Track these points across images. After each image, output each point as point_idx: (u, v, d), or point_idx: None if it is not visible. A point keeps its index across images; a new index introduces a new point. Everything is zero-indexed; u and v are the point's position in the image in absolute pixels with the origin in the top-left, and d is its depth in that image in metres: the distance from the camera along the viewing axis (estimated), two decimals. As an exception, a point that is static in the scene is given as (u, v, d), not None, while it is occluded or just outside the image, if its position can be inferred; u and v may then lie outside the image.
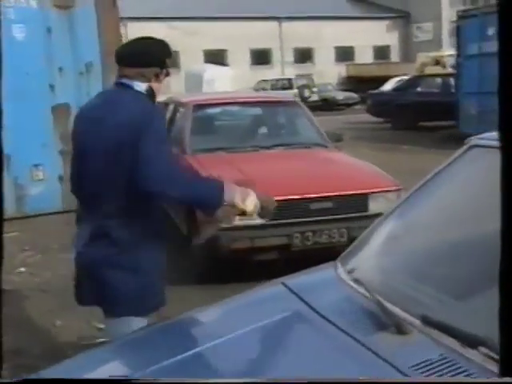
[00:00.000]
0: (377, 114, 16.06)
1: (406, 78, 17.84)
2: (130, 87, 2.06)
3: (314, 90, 26.32)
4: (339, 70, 33.78)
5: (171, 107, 5.70)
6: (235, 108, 5.47)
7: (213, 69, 22.61)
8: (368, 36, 34.99)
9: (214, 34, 30.60)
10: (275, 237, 3.98)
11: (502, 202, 1.12)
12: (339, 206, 4.10)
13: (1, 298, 1.46)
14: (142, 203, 1.97)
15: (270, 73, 30.63)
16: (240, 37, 31.12)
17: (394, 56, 37.08)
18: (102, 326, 3.71)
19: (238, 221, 3.92)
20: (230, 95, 6.03)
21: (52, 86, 6.32)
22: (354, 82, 31.07)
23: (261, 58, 33.27)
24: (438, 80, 15.43)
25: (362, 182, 4.28)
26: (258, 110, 5.56)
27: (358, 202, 4.15)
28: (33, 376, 1.53)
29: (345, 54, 35.23)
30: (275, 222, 3.97)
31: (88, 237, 2.04)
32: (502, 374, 1.13)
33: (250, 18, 31.85)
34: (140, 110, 1.98)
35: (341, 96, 27.18)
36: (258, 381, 1.32)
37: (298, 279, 2.05)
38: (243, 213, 2.28)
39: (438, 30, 35.17)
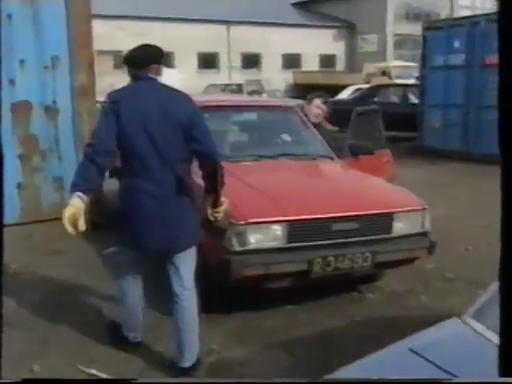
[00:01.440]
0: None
1: (365, 86, 17.75)
2: (156, 80, 2.93)
3: (264, 96, 26.02)
4: (286, 77, 33.68)
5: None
6: (233, 113, 4.93)
7: (160, 71, 21.80)
8: (314, 44, 35.22)
9: (161, 36, 29.78)
10: (293, 262, 3.47)
11: (503, 202, 1.22)
12: (363, 227, 3.65)
13: (1, 297, 1.58)
14: (188, 166, 3.02)
15: (217, 77, 30.08)
16: (187, 39, 30.45)
17: (340, 65, 37.48)
18: (93, 371, 3.11)
19: (252, 244, 3.43)
20: (224, 98, 5.49)
21: (12, 81, 5.55)
22: (301, 90, 30.99)
23: (208, 62, 32.69)
24: (398, 91, 15.38)
25: (386, 201, 3.84)
26: (256, 116, 5.05)
27: (383, 223, 3.71)
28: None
29: (291, 61, 35.25)
30: (293, 244, 3.48)
31: (157, 193, 2.86)
32: (502, 374, 1.18)
33: (199, 21, 31.25)
34: (187, 98, 2.99)
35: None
36: (258, 381, 1.36)
37: (428, 344, 1.57)
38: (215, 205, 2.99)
39: (383, 42, 35.80)
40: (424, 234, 3.83)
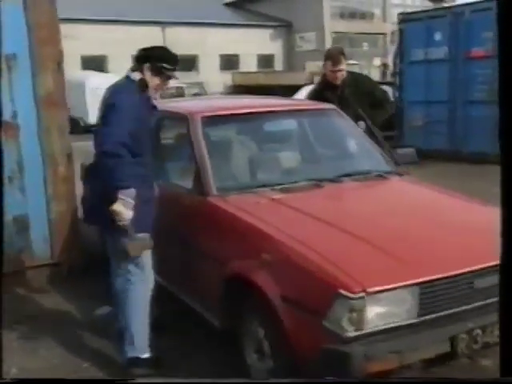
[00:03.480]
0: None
1: None
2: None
3: (206, 98, 24.75)
4: (224, 79, 32.55)
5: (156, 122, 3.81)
6: (260, 122, 3.68)
7: (97, 76, 20.22)
8: (252, 44, 34.42)
9: (93, 38, 28.00)
10: (433, 344, 2.31)
11: (502, 202, 1.46)
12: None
13: (1, 297, 1.83)
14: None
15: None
16: (121, 42, 28.73)
17: (278, 65, 36.78)
18: None
19: (374, 323, 2.26)
20: (247, 103, 4.21)
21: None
22: (241, 91, 30.04)
23: (144, 65, 31.03)
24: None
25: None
26: (296, 123, 3.84)
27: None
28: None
29: (230, 62, 34.24)
30: (428, 317, 2.33)
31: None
32: (502, 374, 1.43)
33: (132, 22, 29.64)
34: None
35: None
36: (258, 381, 1.51)
37: None
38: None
39: (321, 40, 35.36)
40: None
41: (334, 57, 4.39)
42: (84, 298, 4.04)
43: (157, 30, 31.12)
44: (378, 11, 38.69)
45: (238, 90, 30.81)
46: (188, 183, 3.30)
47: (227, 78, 32.56)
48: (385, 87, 14.68)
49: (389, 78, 20.52)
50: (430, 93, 10.69)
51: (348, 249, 2.45)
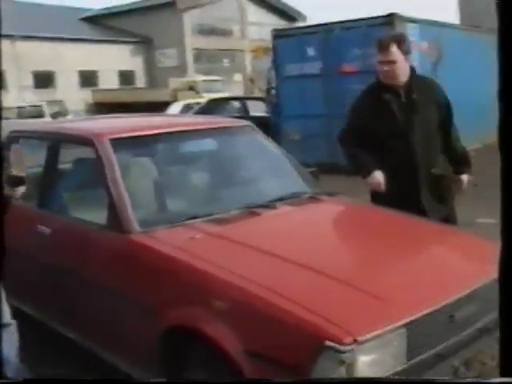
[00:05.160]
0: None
1: (193, 102, 16.58)
2: None
3: (69, 117, 23.29)
4: (84, 96, 31.08)
5: (46, 146, 3.19)
6: (178, 143, 3.22)
7: None
8: (112, 60, 33.37)
9: None
10: (421, 389, 2.04)
11: (502, 202, 1.40)
12: (482, 306, 2.37)
13: (1, 296, 1.81)
14: None
15: (6, 99, 26.40)
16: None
17: (140, 81, 35.96)
18: None
19: (365, 375, 1.94)
20: (156, 121, 3.67)
21: None
22: (102, 109, 28.79)
23: (-8, 81, 28.65)
24: (236, 104, 14.48)
25: (486, 258, 2.60)
26: (216, 143, 3.41)
27: (494, 292, 2.47)
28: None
29: (89, 78, 32.82)
30: (416, 360, 2.07)
31: None
32: (502, 374, 1.38)
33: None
34: None
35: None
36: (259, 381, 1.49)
37: None
38: None
39: (182, 56, 35.23)
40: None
41: (380, 43, 3.26)
42: None
43: (5, 44, 28.93)
44: (236, 28, 39.37)
45: (99, 107, 29.53)
46: (99, 218, 2.77)
47: (87, 96, 31.12)
48: (255, 102, 14.90)
49: (257, 93, 20.87)
50: (306, 107, 10.81)
51: (320, 290, 2.12)
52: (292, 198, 3.09)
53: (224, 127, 3.42)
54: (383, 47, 3.23)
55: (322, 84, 10.65)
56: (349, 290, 2.10)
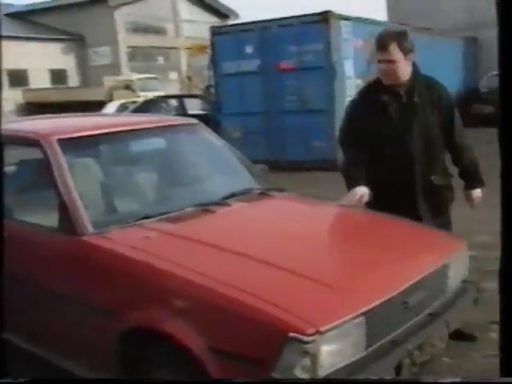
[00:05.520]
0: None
1: (138, 100, 16.28)
2: None
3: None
4: (14, 96, 29.97)
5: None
6: (127, 142, 3.18)
7: None
8: (42, 59, 32.29)
9: None
10: (382, 376, 2.11)
11: (503, 202, 1.35)
12: (431, 292, 2.48)
13: (1, 297, 1.73)
14: None
15: None
16: None
17: (73, 80, 34.99)
18: None
19: (329, 365, 1.99)
20: (104, 121, 3.59)
21: None
22: (34, 109, 27.83)
23: None
24: (173, 102, 14.36)
25: (433, 246, 2.71)
26: (161, 142, 3.38)
27: (441, 278, 2.59)
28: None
29: (18, 78, 31.60)
30: (375, 347, 2.14)
31: None
32: (502, 374, 1.35)
33: None
34: None
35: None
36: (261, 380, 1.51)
37: None
38: None
39: (116, 54, 34.53)
40: (466, 281, 2.83)
41: (378, 41, 3.03)
42: None
43: None
44: (170, 26, 38.96)
45: (31, 107, 28.52)
46: (49, 221, 2.71)
47: (18, 96, 30.00)
48: (193, 100, 14.82)
49: (195, 91, 20.75)
50: (246, 104, 10.88)
51: (280, 284, 2.16)
52: (244, 195, 3.11)
53: (172, 125, 3.40)
54: (382, 46, 3.00)
55: (260, 81, 10.74)
56: (307, 282, 2.15)
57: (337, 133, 13.06)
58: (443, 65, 16.58)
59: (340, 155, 11.68)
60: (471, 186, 3.22)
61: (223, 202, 2.96)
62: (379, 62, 3.03)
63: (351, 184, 3.10)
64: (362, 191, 3.04)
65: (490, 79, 17.19)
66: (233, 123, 11.02)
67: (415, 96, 3.04)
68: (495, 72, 17.72)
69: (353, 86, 10.85)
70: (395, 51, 2.98)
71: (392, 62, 2.99)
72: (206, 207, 2.86)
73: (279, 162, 10.55)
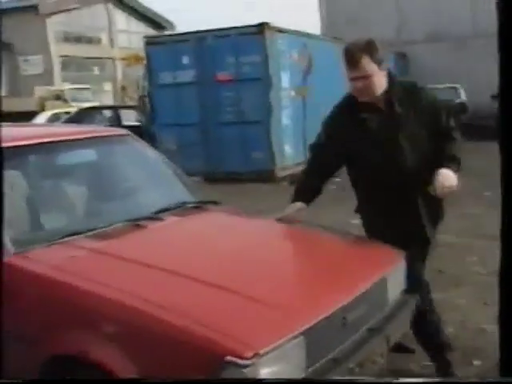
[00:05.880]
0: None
1: (71, 110, 15.79)
2: None
3: None
4: None
5: None
6: (52, 154, 2.97)
7: None
8: (-33, 67, 30.93)
9: None
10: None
11: (503, 202, 1.33)
12: (371, 307, 2.43)
13: (1, 298, 1.70)
14: None
15: None
16: None
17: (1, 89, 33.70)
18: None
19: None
20: (33, 130, 3.34)
21: None
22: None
23: None
24: (107, 113, 14.01)
25: (372, 259, 2.66)
26: (90, 154, 3.18)
27: (380, 292, 2.55)
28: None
29: None
30: (315, 366, 2.06)
31: None
32: (502, 374, 1.33)
33: None
34: None
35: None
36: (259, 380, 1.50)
37: None
38: None
39: (49, 64, 33.59)
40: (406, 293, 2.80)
41: (347, 57, 2.71)
42: None
43: None
44: (104, 36, 38.25)
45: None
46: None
47: None
48: (128, 111, 14.53)
49: (130, 102, 20.39)
50: (182, 116, 10.73)
51: (214, 303, 2.04)
52: (177, 208, 2.98)
53: (103, 136, 3.23)
54: (352, 62, 2.67)
55: (196, 92, 10.63)
56: (243, 302, 2.04)
57: (274, 144, 13.05)
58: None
59: (278, 167, 11.68)
60: (442, 165, 2.67)
61: (156, 216, 2.82)
62: (352, 79, 2.72)
63: (293, 197, 2.91)
64: (298, 206, 2.87)
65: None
66: (169, 135, 10.84)
67: (396, 106, 2.75)
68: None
69: (288, 97, 10.93)
70: (369, 65, 2.66)
71: (366, 77, 2.68)
72: (137, 222, 2.71)
73: (216, 173, 10.46)
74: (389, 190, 2.79)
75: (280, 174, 10.52)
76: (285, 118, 10.75)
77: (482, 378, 3.00)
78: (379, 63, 2.70)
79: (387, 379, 2.19)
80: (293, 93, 10.93)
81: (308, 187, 2.92)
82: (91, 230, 2.57)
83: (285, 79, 10.81)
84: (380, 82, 2.73)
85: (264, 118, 10.28)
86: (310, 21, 43.32)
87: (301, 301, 2.14)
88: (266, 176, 10.29)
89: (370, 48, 2.67)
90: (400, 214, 2.82)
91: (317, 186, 2.93)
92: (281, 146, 10.61)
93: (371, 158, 2.76)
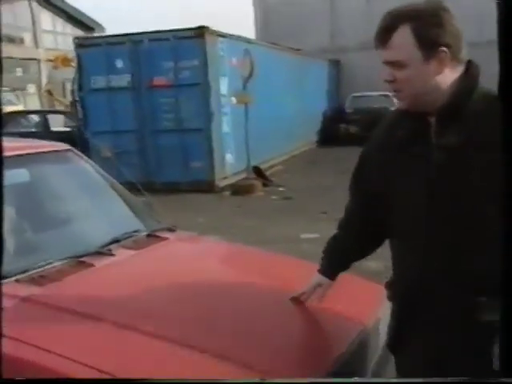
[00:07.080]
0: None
1: None
2: None
3: None
4: None
5: None
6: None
7: None
8: None
9: None
10: None
11: (503, 203, 1.20)
12: (366, 355, 2.09)
13: (1, 299, 1.52)
14: None
15: None
16: None
17: None
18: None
19: None
20: None
21: None
22: None
23: None
24: (34, 118, 13.15)
25: (367, 303, 2.30)
26: (23, 175, 2.65)
27: (375, 335, 2.21)
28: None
29: None
30: None
31: None
32: (502, 374, 1.23)
33: None
34: None
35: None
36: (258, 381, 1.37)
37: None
38: None
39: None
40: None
41: (379, 26, 1.61)
42: None
43: None
44: (28, 36, 36.56)
45: None
46: None
47: None
48: (56, 116, 13.71)
49: (58, 106, 19.38)
50: (117, 122, 10.15)
51: (165, 363, 1.63)
52: (129, 239, 2.54)
53: (38, 153, 2.72)
54: (381, 34, 1.60)
55: (132, 98, 10.09)
56: (206, 361, 1.65)
57: (214, 153, 12.64)
58: (311, 85, 16.98)
59: (218, 176, 11.26)
60: None
61: (104, 250, 2.36)
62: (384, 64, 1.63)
63: (320, 265, 2.03)
64: (319, 281, 2.02)
65: (353, 100, 17.91)
66: (103, 142, 10.20)
67: (451, 132, 1.55)
68: (357, 94, 18.60)
69: (229, 104, 10.58)
70: (407, 44, 1.55)
71: (401, 65, 1.57)
72: (82, 259, 2.25)
73: (154, 183, 9.91)
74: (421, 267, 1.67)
75: (220, 183, 10.14)
76: (225, 125, 10.39)
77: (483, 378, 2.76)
78: (431, 46, 1.54)
79: (386, 379, 2.04)
80: (233, 99, 10.58)
81: (340, 248, 1.99)
82: (24, 272, 2.09)
83: (224, 85, 10.46)
84: (435, 81, 1.58)
85: (204, 126, 9.88)
86: (244, 25, 42.95)
87: (288, 362, 1.76)
88: (205, 186, 9.88)
89: (417, 17, 1.55)
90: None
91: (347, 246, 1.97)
92: (221, 154, 10.23)
93: (407, 207, 1.68)
